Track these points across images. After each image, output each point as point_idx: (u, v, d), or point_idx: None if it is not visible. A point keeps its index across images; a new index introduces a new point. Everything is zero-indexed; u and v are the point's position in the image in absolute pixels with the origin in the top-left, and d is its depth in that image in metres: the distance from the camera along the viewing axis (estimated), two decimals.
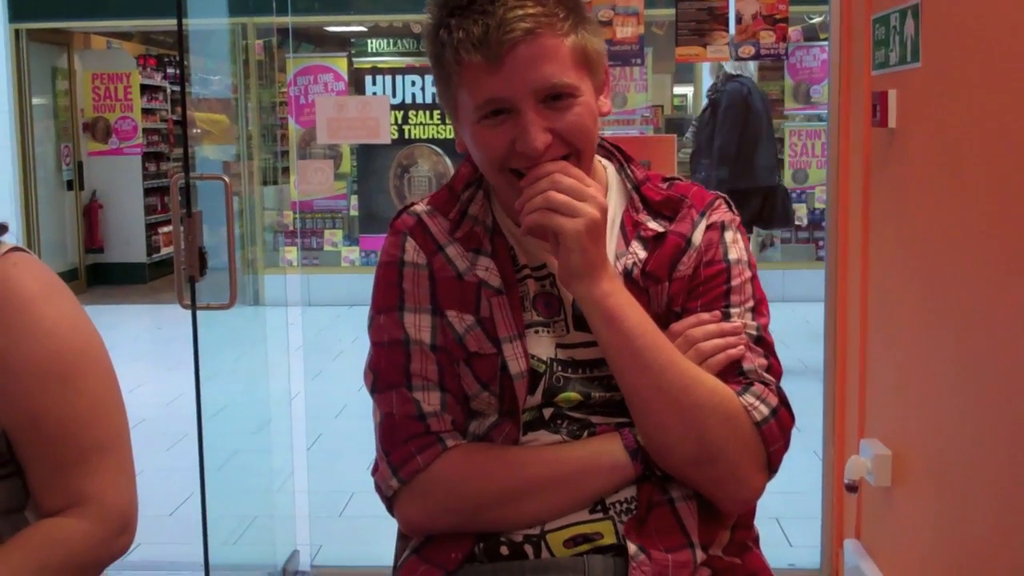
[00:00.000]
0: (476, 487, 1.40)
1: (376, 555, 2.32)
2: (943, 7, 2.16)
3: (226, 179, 3.19)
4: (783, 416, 1.41)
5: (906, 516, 2.45)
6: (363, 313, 1.52)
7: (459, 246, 1.47)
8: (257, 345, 4.01)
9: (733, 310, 1.45)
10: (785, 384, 1.45)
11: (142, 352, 7.40)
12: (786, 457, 1.42)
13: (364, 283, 1.64)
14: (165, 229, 10.88)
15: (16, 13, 9.16)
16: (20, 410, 1.35)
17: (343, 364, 6.40)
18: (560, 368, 1.44)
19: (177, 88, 11.30)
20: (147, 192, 10.79)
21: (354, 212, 9.07)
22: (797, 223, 8.85)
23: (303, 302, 8.36)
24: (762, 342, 1.45)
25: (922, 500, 2.35)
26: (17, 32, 9.24)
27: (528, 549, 1.39)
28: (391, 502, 1.46)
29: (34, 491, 1.39)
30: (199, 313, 3.11)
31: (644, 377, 1.36)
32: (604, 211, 1.36)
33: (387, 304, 1.47)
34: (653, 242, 1.47)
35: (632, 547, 1.36)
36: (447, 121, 1.46)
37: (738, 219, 1.53)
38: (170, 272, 9.61)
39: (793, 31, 8.05)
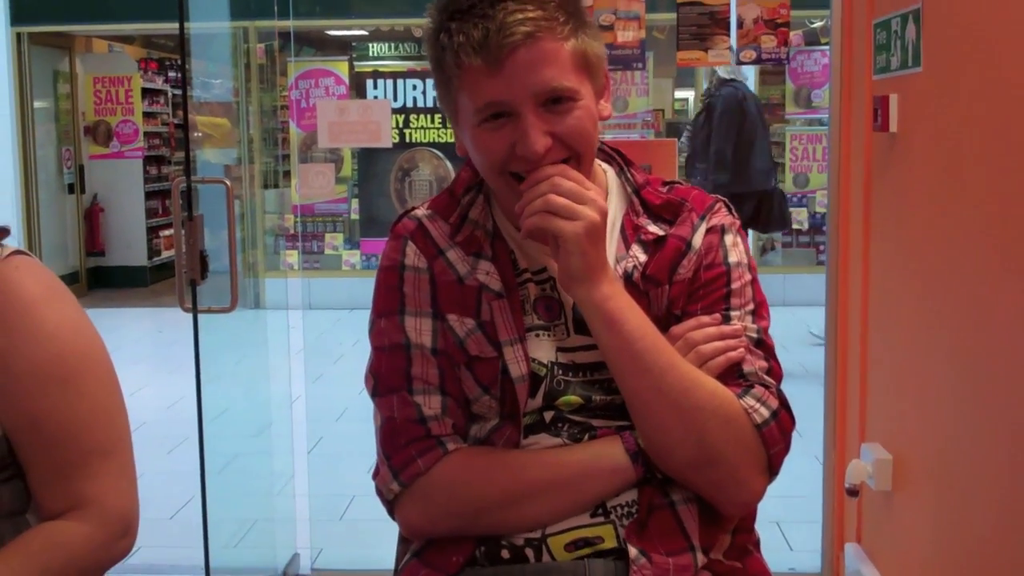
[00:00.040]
0: (477, 491, 1.40)
1: (377, 559, 2.31)
2: (944, 12, 2.16)
3: (227, 182, 3.20)
4: (783, 418, 1.41)
5: (907, 520, 2.45)
6: (364, 317, 1.52)
7: (460, 250, 1.48)
8: (258, 348, 4.01)
9: (733, 313, 1.45)
10: (786, 388, 1.45)
11: (143, 355, 7.40)
12: (787, 461, 1.42)
13: (365, 287, 1.64)
14: (166, 232, 10.88)
15: (18, 17, 9.18)
16: (21, 413, 1.35)
17: (344, 368, 6.40)
18: (561, 371, 1.44)
19: (178, 92, 11.30)
20: (148, 195, 10.80)
21: (355, 216, 9.08)
22: (798, 227, 8.86)
23: (304, 306, 8.36)
24: (762, 345, 1.45)
25: (923, 504, 2.35)
26: (19, 35, 9.25)
27: (529, 553, 1.39)
28: (392, 506, 1.46)
29: (35, 494, 1.39)
30: (200, 316, 3.11)
31: (644, 380, 1.36)
32: (604, 214, 1.37)
33: (388, 308, 1.47)
34: (653, 246, 1.47)
35: (633, 551, 1.36)
36: (448, 125, 1.47)
37: (738, 222, 1.53)
38: (171, 275, 9.60)
39: (794, 35, 8.06)
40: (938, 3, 2.19)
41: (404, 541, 1.54)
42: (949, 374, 2.15)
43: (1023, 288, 1.77)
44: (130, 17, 9.25)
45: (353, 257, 9.08)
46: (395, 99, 8.18)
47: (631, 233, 1.49)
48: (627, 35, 3.24)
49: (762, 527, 1.54)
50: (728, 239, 1.49)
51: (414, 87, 8.23)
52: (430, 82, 7.58)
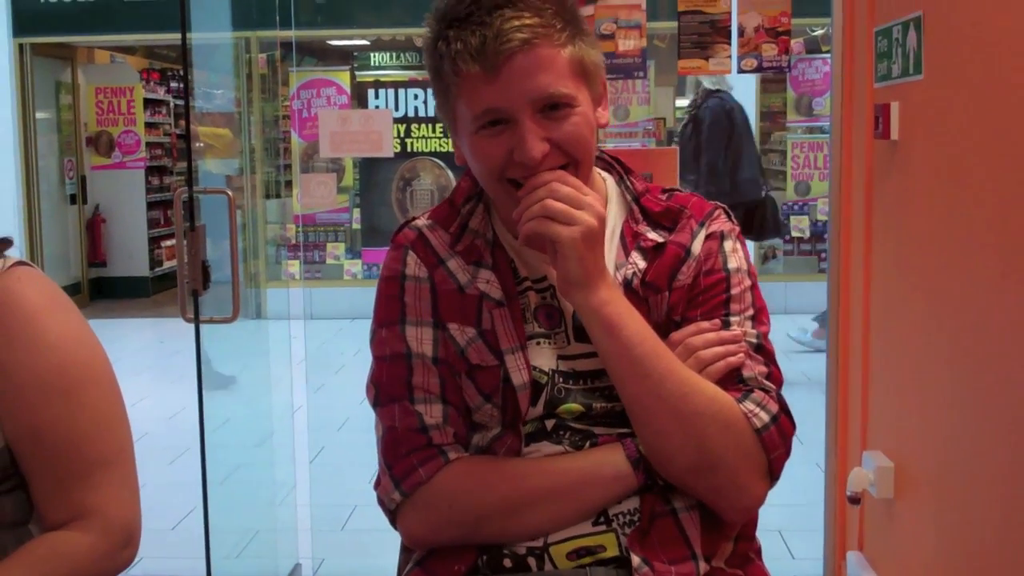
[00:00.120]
0: (478, 499, 1.40)
1: (379, 568, 2.31)
2: (945, 19, 2.17)
3: (229, 193, 3.21)
4: (783, 423, 1.41)
5: (909, 528, 2.45)
6: (365, 326, 1.52)
7: (460, 259, 1.48)
8: (260, 358, 4.01)
9: (733, 318, 1.45)
10: (787, 395, 1.46)
11: (145, 366, 7.40)
12: (788, 469, 1.42)
13: (366, 296, 1.64)
14: (168, 243, 10.89)
15: (20, 27, 9.20)
16: (24, 423, 1.35)
17: (345, 377, 6.40)
18: (562, 379, 1.44)
19: (180, 102, 11.34)
20: (150, 206, 10.81)
21: (356, 225, 9.08)
22: (799, 235, 8.86)
23: (305, 315, 8.35)
24: (762, 350, 1.45)
25: (925, 512, 2.35)
26: (21, 46, 9.27)
27: (531, 562, 1.39)
28: (394, 515, 1.45)
29: (38, 504, 1.39)
30: (202, 326, 3.12)
31: (643, 385, 1.36)
32: (601, 220, 1.37)
33: (389, 318, 1.47)
34: (653, 252, 1.47)
35: (636, 559, 1.36)
36: (449, 135, 1.47)
37: (737, 229, 1.53)
38: (173, 286, 9.56)
39: (795, 43, 8.07)
40: (939, 11, 2.19)
41: (406, 550, 1.54)
42: (951, 381, 2.15)
43: None
44: (132, 28, 9.27)
45: (355, 267, 9.08)
46: (397, 109, 8.19)
47: (630, 240, 1.49)
48: (628, 44, 3.24)
49: (764, 535, 1.54)
50: (727, 245, 1.49)
51: (416, 96, 8.24)
52: (431, 91, 7.59)
